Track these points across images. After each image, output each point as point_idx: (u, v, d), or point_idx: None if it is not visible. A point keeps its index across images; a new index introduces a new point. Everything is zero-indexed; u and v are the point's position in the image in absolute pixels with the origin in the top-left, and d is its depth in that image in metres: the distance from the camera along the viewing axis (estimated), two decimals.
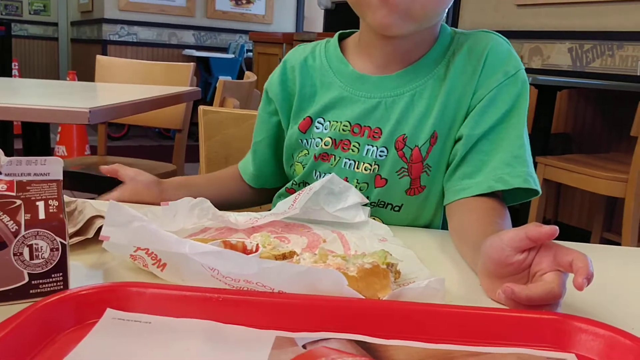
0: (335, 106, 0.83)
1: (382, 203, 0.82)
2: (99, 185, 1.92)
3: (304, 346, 0.42)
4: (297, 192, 0.76)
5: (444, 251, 0.71)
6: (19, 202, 0.48)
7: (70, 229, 0.62)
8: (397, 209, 0.82)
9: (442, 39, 0.82)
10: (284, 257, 0.58)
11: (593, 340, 0.44)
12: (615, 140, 3.03)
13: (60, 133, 4.15)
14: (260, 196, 0.98)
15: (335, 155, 0.83)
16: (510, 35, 0.81)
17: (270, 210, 0.77)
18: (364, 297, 0.48)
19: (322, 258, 0.54)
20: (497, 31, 0.82)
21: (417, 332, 0.45)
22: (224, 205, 0.78)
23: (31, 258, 0.47)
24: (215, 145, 1.22)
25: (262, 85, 0.95)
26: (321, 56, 0.87)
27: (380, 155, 0.80)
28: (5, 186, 0.50)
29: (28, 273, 0.48)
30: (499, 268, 0.54)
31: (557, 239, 0.51)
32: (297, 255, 0.57)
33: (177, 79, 2.32)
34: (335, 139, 0.82)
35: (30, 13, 7.09)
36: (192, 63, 2.39)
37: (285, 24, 6.40)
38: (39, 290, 0.48)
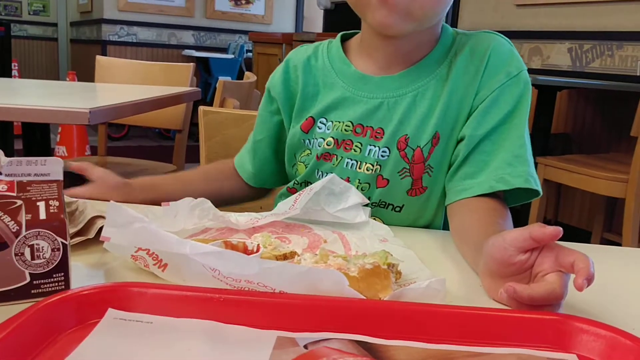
0: (337, 106, 0.83)
1: (384, 203, 0.82)
2: None
3: (305, 346, 0.42)
4: (298, 193, 0.76)
5: (444, 251, 0.71)
6: (19, 202, 0.48)
7: (72, 229, 0.62)
8: (398, 209, 0.82)
9: (444, 39, 0.82)
10: (284, 257, 0.58)
11: (594, 340, 0.44)
12: (615, 140, 3.03)
13: (60, 133, 4.15)
14: (258, 193, 0.98)
15: (337, 155, 0.83)
16: (509, 35, 0.81)
17: (271, 210, 0.77)
18: (365, 298, 0.48)
19: (323, 258, 0.54)
20: (496, 31, 0.82)
21: (418, 332, 0.45)
22: (215, 202, 0.77)
23: (32, 258, 0.47)
24: (216, 146, 1.22)
25: (262, 85, 0.95)
26: (324, 56, 0.87)
27: (382, 156, 0.80)
28: (6, 186, 0.50)
29: (29, 273, 0.48)
30: (502, 268, 0.54)
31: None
32: (298, 255, 0.57)
33: (177, 79, 2.32)
34: (337, 139, 0.82)
35: (29, 13, 7.09)
36: (191, 63, 2.39)
37: (284, 24, 6.40)
38: (40, 290, 0.48)
